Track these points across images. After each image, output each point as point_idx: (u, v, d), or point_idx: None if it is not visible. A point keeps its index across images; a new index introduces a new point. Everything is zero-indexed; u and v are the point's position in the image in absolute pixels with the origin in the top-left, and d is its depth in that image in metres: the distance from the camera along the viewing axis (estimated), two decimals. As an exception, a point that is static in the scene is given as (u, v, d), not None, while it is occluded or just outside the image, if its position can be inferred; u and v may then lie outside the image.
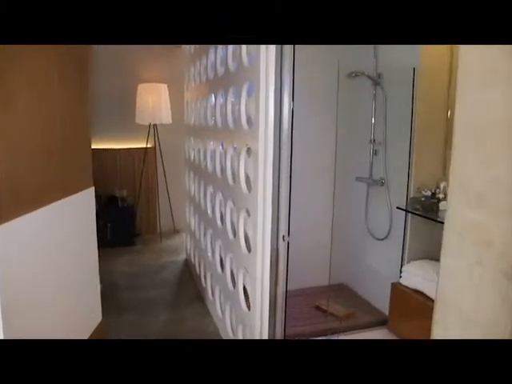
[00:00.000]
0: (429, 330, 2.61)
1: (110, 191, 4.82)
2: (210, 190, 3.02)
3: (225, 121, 2.54)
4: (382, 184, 3.16)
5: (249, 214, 2.17)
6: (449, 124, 2.89)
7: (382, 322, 3.05)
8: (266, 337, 2.16)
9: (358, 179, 3.43)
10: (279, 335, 2.30)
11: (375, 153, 3.24)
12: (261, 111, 1.94)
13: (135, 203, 4.96)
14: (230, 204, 2.51)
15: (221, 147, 2.74)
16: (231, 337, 2.58)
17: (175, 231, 5.20)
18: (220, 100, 2.71)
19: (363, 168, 3.35)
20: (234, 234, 2.42)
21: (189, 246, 4.18)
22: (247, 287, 2.27)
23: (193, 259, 3.89)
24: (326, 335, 2.89)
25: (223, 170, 2.60)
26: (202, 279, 3.37)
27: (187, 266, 4.15)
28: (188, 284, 3.70)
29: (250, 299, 2.19)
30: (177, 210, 5.05)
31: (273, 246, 2.00)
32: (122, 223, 4.66)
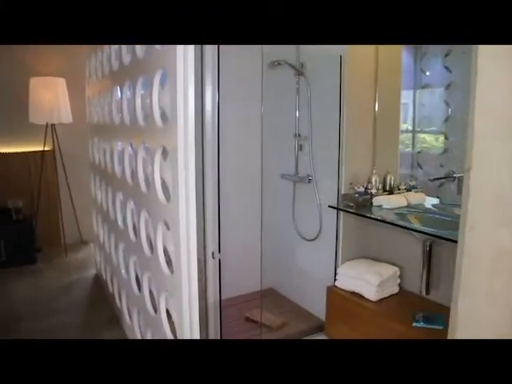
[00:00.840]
0: (367, 332, 2.41)
1: (2, 203, 4.19)
2: (119, 197, 2.62)
3: (133, 117, 2.16)
4: (310, 181, 2.94)
5: (168, 228, 1.83)
6: (377, 116, 2.74)
7: (318, 328, 2.84)
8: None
9: (283, 177, 3.20)
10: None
11: (300, 148, 3.02)
12: (178, 104, 1.60)
13: (34, 214, 4.36)
14: (144, 214, 2.14)
15: (130, 148, 2.35)
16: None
17: (83, 242, 4.67)
18: (127, 93, 2.32)
19: (288, 164, 3.12)
20: (152, 250, 2.06)
21: (98, 260, 3.72)
22: (171, 313, 1.92)
23: (104, 275, 3.44)
24: (260, 350, 2.62)
25: (134, 174, 2.22)
26: (117, 299, 2.96)
27: (98, 282, 3.69)
28: (100, 305, 3.25)
29: (177, 329, 1.85)
30: (83, 219, 4.52)
31: (200, 265, 1.67)
32: (19, 238, 4.05)
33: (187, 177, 1.63)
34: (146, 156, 2.07)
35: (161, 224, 1.91)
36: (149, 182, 2.01)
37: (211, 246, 1.70)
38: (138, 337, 2.48)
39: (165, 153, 1.84)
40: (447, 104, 2.55)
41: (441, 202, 2.57)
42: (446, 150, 2.62)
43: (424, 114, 2.80)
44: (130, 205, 2.38)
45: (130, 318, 2.62)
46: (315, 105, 2.83)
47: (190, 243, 1.65)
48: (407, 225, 2.31)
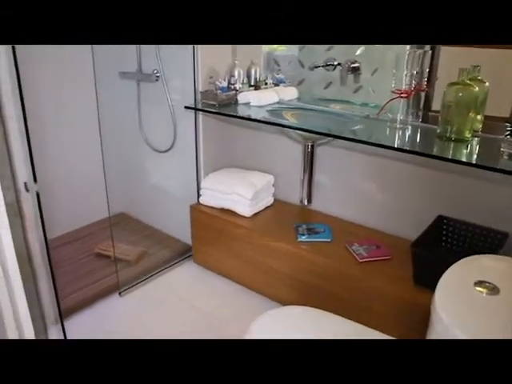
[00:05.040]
0: (245, 254, 2.14)
1: None
2: None
3: None
4: (157, 78, 2.36)
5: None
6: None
7: (184, 254, 2.45)
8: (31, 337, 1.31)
9: (124, 75, 2.55)
10: (55, 328, 1.48)
11: (143, 36, 2.37)
12: None
13: None
14: None
15: None
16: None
17: None
18: None
19: (128, 59, 2.46)
20: None
21: None
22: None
23: None
24: (118, 291, 2.15)
25: None
26: None
27: None
28: None
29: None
30: None
31: (10, 203, 1.08)
32: None
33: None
34: None
35: None
36: None
37: (22, 173, 1.10)
38: None
39: None
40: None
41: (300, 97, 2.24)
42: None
43: None
44: None
45: None
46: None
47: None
48: (285, 123, 1.92)
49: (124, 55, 2.45)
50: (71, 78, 2.47)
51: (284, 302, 1.96)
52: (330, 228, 2.00)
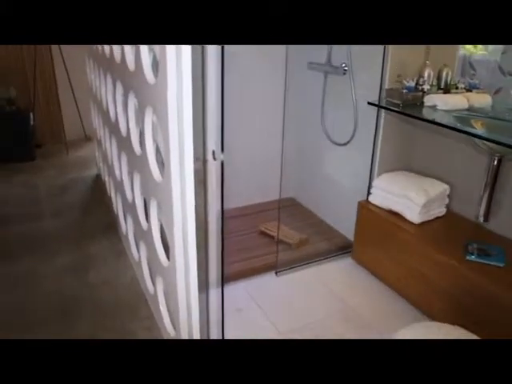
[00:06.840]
0: (405, 261, 1.98)
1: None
2: (109, 77, 2.13)
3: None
4: (345, 72, 2.39)
5: (158, 117, 1.36)
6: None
7: (343, 248, 2.45)
8: (195, 295, 1.46)
9: (311, 66, 2.63)
10: (215, 291, 1.62)
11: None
12: None
13: (30, 106, 3.89)
14: (132, 98, 1.66)
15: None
16: (151, 289, 1.88)
17: (87, 139, 4.24)
18: None
19: (318, 50, 2.53)
20: (142, 146, 1.61)
21: (98, 157, 3.32)
22: (165, 228, 1.52)
23: (103, 175, 3.06)
24: (275, 270, 2.26)
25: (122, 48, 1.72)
26: (114, 203, 2.59)
27: (99, 183, 3.31)
28: (98, 208, 2.89)
29: (170, 247, 1.45)
30: (88, 113, 4.05)
31: (198, 168, 1.22)
32: (14, 132, 3.64)
33: (181, 54, 1.13)
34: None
35: (149, 110, 1.44)
36: (138, 57, 1.51)
37: (212, 142, 1.23)
38: (133, 249, 2.12)
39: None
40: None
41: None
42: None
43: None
44: (119, 87, 1.90)
45: (126, 227, 2.25)
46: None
47: (184, 140, 1.18)
48: (472, 131, 1.79)
49: (315, 45, 2.52)
50: (265, 64, 2.63)
51: (433, 317, 1.85)
52: (504, 252, 1.81)
